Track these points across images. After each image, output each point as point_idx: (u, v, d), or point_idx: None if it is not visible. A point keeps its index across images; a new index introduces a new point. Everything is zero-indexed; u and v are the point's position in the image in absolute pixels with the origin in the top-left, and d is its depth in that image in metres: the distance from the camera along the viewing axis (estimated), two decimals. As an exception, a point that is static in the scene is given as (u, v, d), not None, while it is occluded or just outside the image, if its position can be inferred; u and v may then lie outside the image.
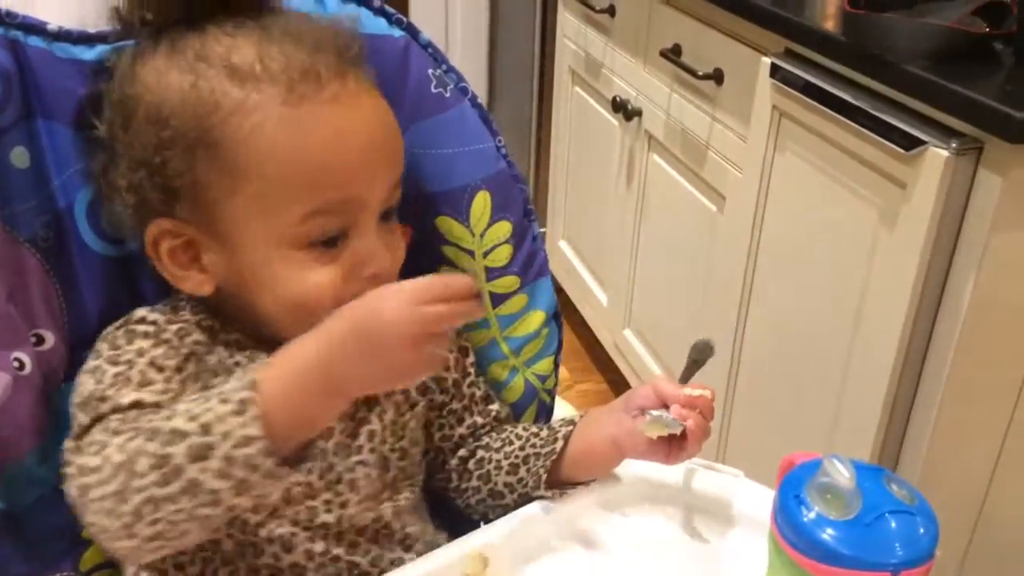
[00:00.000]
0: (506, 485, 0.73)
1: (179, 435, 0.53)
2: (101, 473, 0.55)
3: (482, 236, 0.76)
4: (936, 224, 0.94)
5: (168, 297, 0.69)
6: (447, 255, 0.76)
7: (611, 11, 1.69)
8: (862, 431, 1.07)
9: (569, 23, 1.91)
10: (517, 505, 0.71)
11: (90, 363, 0.63)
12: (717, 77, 1.34)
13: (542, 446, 0.71)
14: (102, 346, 0.64)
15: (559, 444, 0.70)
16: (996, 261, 0.92)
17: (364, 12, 0.72)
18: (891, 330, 1.01)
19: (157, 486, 0.53)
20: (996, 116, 0.87)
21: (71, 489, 0.57)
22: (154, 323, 0.65)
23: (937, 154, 0.93)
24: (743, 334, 1.32)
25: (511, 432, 0.75)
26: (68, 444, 0.60)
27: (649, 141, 1.60)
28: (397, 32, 0.73)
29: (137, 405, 0.59)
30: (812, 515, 0.55)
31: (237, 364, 0.65)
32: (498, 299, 0.78)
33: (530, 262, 0.78)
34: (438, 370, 0.72)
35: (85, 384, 0.62)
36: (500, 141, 0.76)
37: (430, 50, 0.74)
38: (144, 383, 0.60)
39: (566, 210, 2.05)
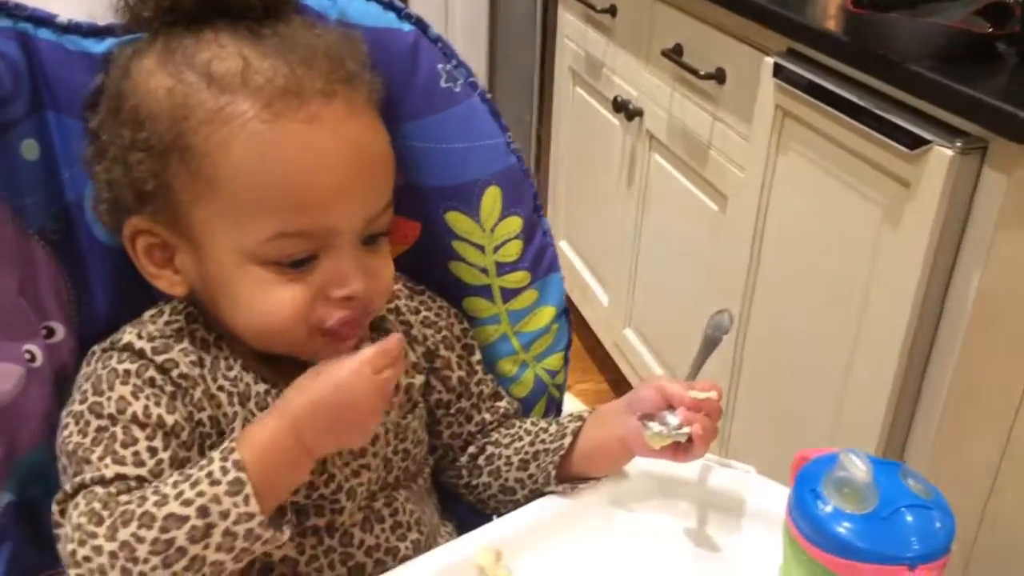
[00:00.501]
0: (517, 481, 0.73)
1: (177, 520, 0.55)
2: (92, 564, 0.55)
3: (492, 231, 0.76)
4: (940, 223, 0.95)
5: None
6: (456, 250, 0.76)
7: (612, 11, 1.69)
8: (866, 430, 1.07)
9: (570, 23, 1.91)
10: (528, 500, 0.71)
11: (75, 405, 0.62)
12: (719, 77, 1.34)
13: (551, 441, 0.71)
14: (85, 386, 0.63)
15: (567, 440, 0.70)
16: (1000, 260, 0.92)
17: (374, 7, 0.71)
18: (895, 330, 1.01)
19: (162, 568, 0.54)
20: (1000, 115, 0.87)
21: (61, 553, 0.57)
22: (140, 353, 0.63)
23: (941, 153, 0.93)
24: (746, 334, 1.32)
25: (520, 427, 0.75)
26: (55, 505, 0.59)
27: (650, 141, 1.60)
28: (407, 27, 0.72)
29: (120, 478, 0.59)
30: (829, 509, 0.55)
31: (222, 403, 0.64)
32: (509, 294, 0.77)
33: (540, 257, 0.78)
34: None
35: (70, 431, 0.61)
36: (510, 136, 0.75)
37: (440, 45, 0.73)
38: (127, 443, 0.60)
39: (567, 210, 2.05)
